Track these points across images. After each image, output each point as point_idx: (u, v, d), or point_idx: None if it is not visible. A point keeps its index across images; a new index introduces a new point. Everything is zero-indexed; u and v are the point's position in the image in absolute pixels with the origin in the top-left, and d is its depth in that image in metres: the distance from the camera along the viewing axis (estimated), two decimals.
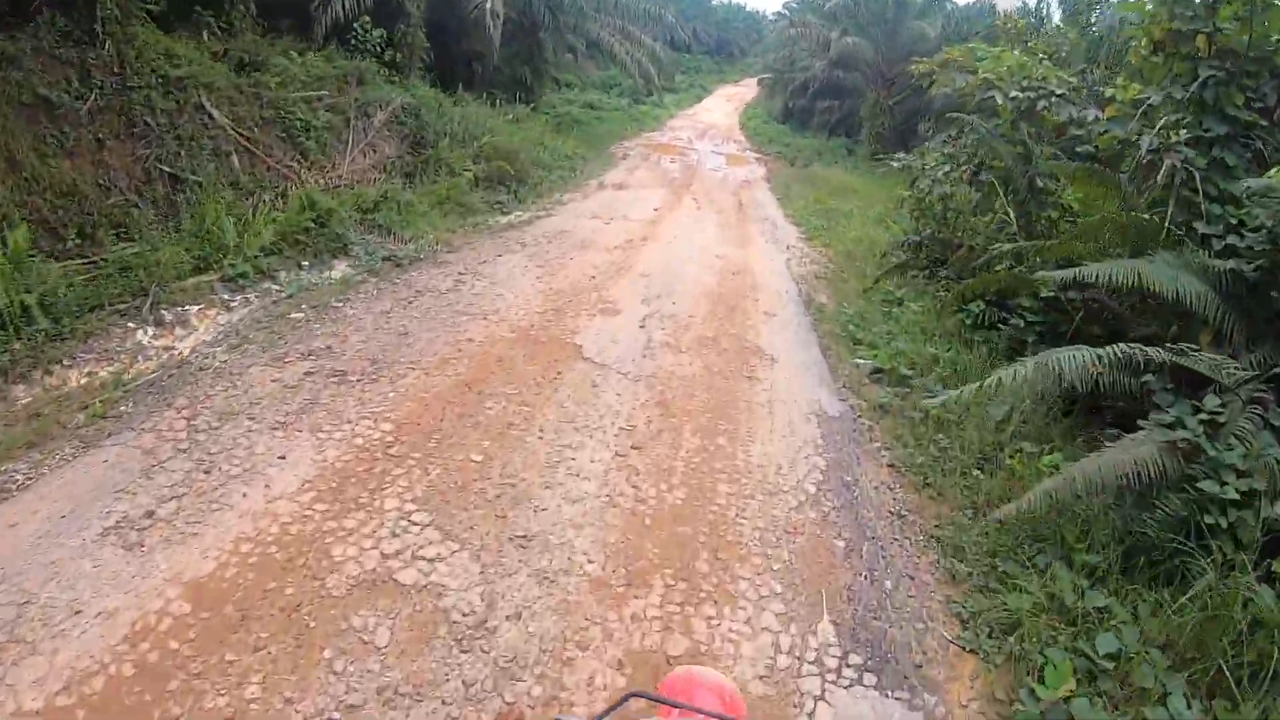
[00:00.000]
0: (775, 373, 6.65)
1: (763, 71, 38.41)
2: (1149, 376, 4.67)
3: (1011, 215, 7.71)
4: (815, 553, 4.32)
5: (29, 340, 5.64)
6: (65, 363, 5.62)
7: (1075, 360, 4.47)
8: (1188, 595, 3.65)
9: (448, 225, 10.57)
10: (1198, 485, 3.87)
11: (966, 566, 4.30)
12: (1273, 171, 4.93)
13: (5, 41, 7.23)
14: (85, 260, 6.89)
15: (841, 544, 4.43)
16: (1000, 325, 7.51)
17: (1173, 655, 3.50)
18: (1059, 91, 6.38)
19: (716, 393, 6.09)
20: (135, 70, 8.44)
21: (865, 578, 4.17)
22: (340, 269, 8.75)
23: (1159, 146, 5.66)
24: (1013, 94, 6.25)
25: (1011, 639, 3.70)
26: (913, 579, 4.23)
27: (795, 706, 3.30)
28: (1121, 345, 4.42)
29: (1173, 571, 3.89)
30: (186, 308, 7.07)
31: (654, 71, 21.80)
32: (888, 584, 4.14)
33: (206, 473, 4.44)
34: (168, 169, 8.54)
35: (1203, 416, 4.15)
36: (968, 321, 7.61)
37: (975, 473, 5.17)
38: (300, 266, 8.66)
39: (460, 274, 8.32)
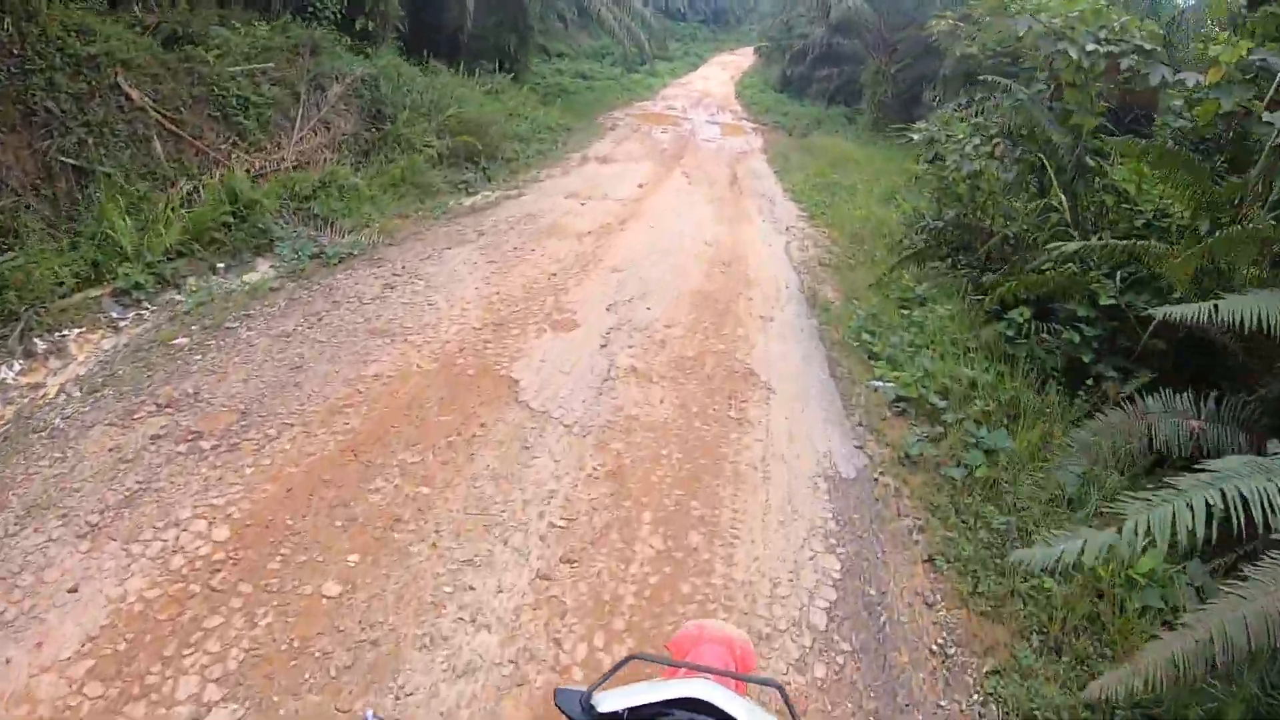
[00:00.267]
0: (772, 409, 4.95)
1: (760, 40, 35.95)
2: None
3: (1064, 202, 5.92)
4: None
5: None
6: None
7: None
8: None
9: (400, 210, 8.83)
10: None
11: None
12: None
13: None
14: None
15: None
16: (1046, 335, 5.79)
17: None
18: (1148, 46, 4.54)
19: (692, 450, 4.40)
20: (38, 50, 6.89)
21: None
22: (261, 270, 7.09)
23: None
24: (1089, 46, 4.41)
25: None
26: None
27: None
28: None
29: None
30: (65, 332, 5.55)
31: (644, 38, 19.71)
32: None
33: None
34: (71, 161, 6.92)
35: None
36: (1009, 332, 5.86)
37: (1044, 579, 3.48)
38: (214, 270, 7.04)
39: (394, 275, 6.60)
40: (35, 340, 5.34)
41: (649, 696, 1.25)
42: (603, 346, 5.57)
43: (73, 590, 3.05)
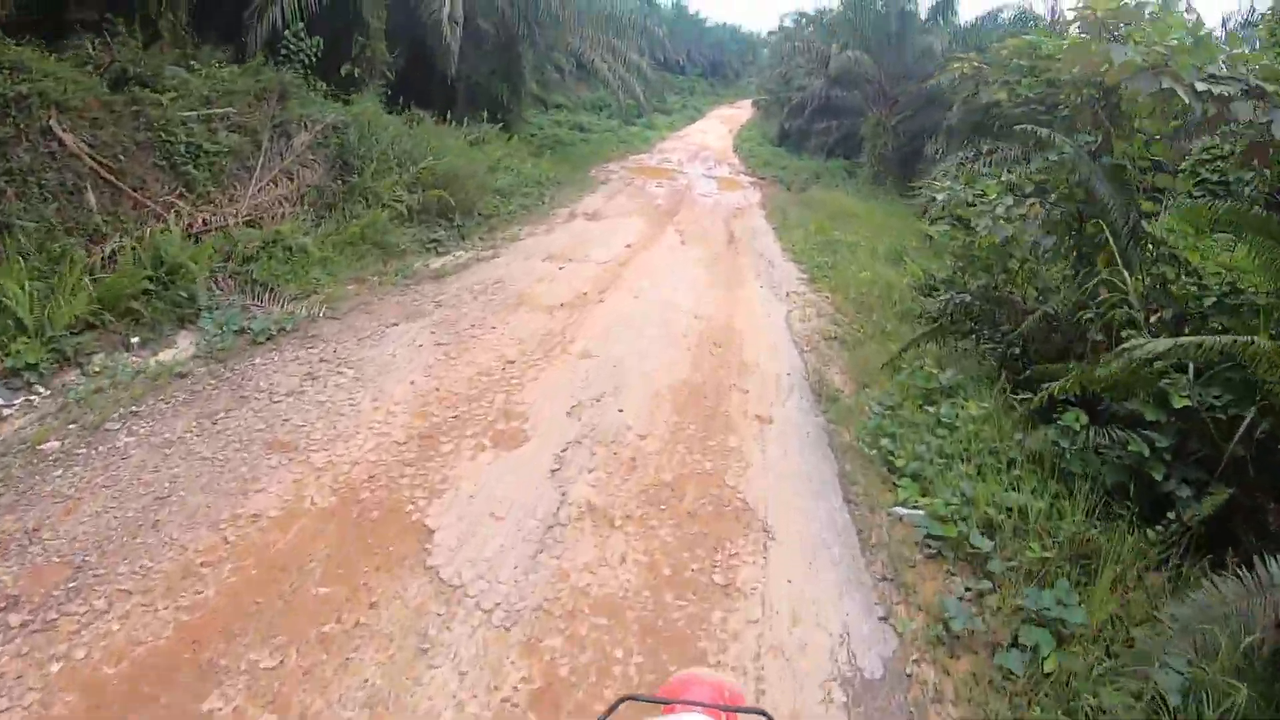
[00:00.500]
0: (771, 568, 3.68)
1: (757, 92, 35.36)
2: None
3: (1129, 280, 4.77)
4: None
5: None
6: None
7: None
8: None
9: (357, 273, 7.70)
10: None
11: None
12: None
13: None
14: None
15: None
16: (1106, 444, 4.59)
17: None
18: (1269, 88, 3.41)
19: (660, 648, 3.10)
20: None
21: None
22: (180, 347, 5.97)
23: None
24: (1200, 86, 3.30)
25: None
26: None
27: None
28: None
29: None
30: None
31: (640, 89, 18.84)
32: None
33: None
34: None
35: None
36: (1062, 441, 4.67)
37: None
38: (128, 346, 5.94)
39: (321, 360, 5.42)
40: None
41: None
42: (555, 471, 4.27)
43: None
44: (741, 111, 36.87)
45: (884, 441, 4.98)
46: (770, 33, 34.79)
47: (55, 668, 2.74)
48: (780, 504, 4.17)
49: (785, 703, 2.80)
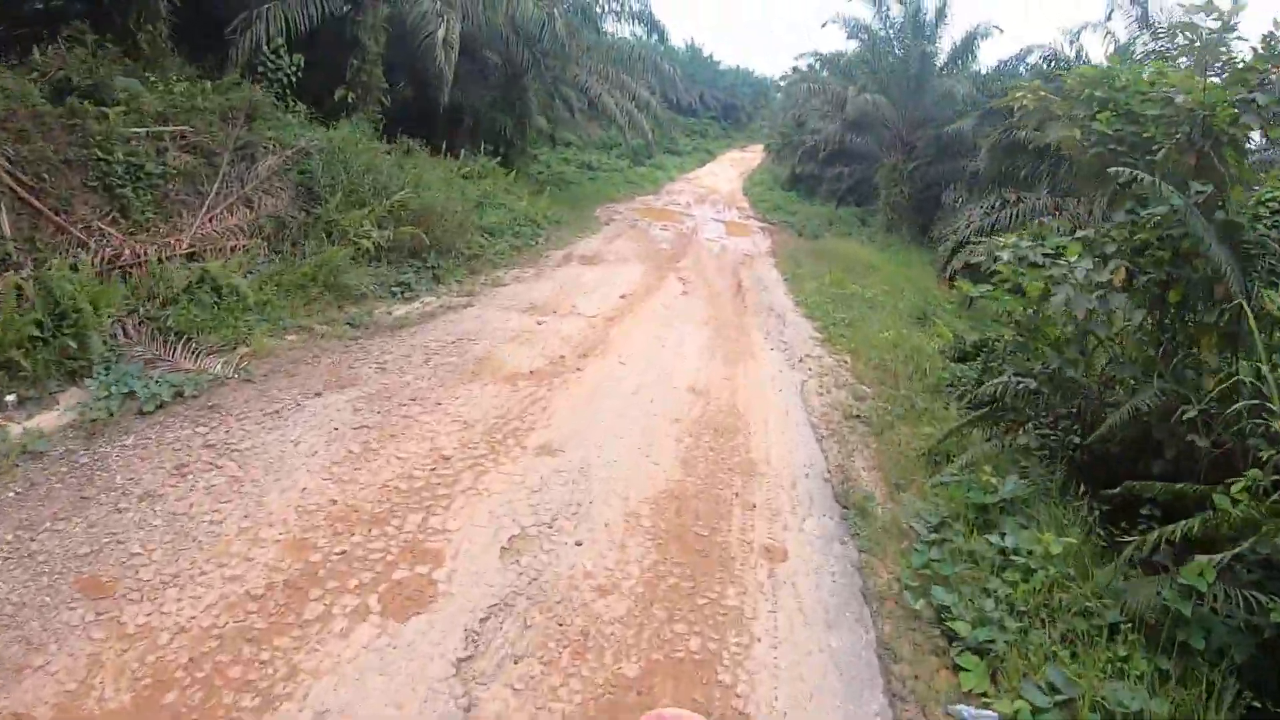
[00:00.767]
0: None
1: (769, 136, 34.36)
2: None
3: (1269, 374, 3.42)
4: None
5: None
6: None
7: None
8: None
9: (300, 321, 6.42)
10: None
11: None
12: None
13: None
14: None
15: None
16: (1236, 606, 3.23)
17: None
18: None
19: None
20: None
21: None
22: (61, 408, 4.70)
23: None
24: None
25: None
26: None
27: None
28: None
29: None
30: None
31: (648, 127, 17.73)
32: None
33: None
34: None
35: None
36: (1181, 607, 3.30)
37: None
38: (3, 404, 4.66)
39: (205, 446, 4.08)
40: None
41: None
42: (464, 661, 2.79)
43: None
44: (753, 155, 35.86)
45: (936, 590, 3.60)
46: (783, 76, 33.87)
47: None
48: (798, 713, 2.77)
49: None
